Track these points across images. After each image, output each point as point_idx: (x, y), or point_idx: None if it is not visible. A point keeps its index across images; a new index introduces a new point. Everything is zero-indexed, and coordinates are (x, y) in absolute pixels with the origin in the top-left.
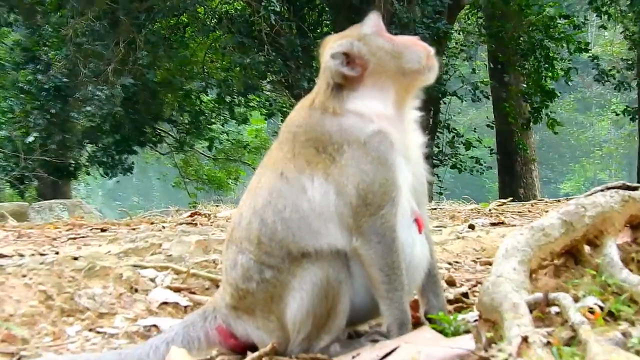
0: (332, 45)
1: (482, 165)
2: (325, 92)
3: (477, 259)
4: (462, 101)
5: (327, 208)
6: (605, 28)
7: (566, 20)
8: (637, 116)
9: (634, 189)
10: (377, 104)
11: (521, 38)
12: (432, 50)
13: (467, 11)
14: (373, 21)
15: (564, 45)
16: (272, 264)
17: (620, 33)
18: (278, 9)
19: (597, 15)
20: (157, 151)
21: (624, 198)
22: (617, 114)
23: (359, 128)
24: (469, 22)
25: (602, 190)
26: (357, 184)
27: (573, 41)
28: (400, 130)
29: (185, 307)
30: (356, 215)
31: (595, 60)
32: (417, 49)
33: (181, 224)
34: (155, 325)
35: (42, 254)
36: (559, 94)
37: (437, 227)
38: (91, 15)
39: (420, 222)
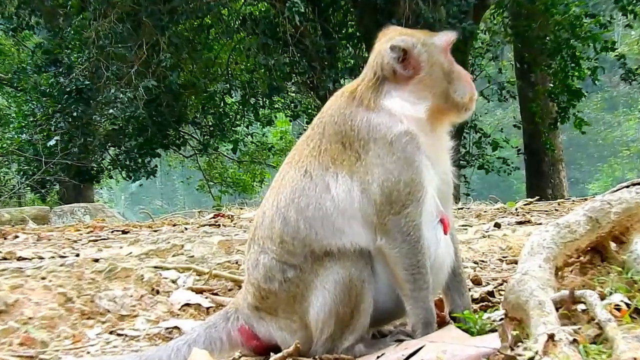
0: (394, 37)
1: (509, 165)
2: (369, 81)
3: (503, 257)
4: (488, 101)
5: (351, 206)
6: (631, 27)
7: (592, 20)
8: None
9: None
10: (410, 108)
11: (547, 37)
12: (476, 94)
13: (492, 11)
14: (447, 37)
15: (590, 44)
16: (295, 263)
17: None
18: (302, 10)
19: (623, 14)
20: (181, 154)
21: None
22: None
23: (387, 126)
24: (495, 21)
25: (627, 187)
26: (381, 182)
27: (599, 40)
28: (429, 134)
29: (208, 308)
30: (380, 214)
31: (621, 60)
32: (467, 86)
33: (204, 225)
34: (177, 327)
35: (62, 256)
36: (585, 94)
37: (462, 225)
38: (114, 17)
39: (446, 223)
